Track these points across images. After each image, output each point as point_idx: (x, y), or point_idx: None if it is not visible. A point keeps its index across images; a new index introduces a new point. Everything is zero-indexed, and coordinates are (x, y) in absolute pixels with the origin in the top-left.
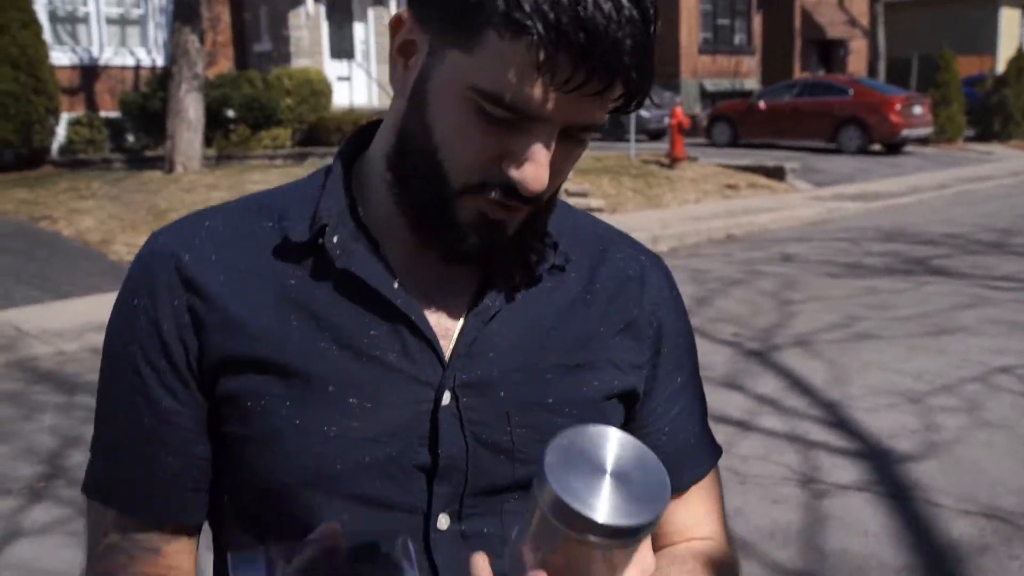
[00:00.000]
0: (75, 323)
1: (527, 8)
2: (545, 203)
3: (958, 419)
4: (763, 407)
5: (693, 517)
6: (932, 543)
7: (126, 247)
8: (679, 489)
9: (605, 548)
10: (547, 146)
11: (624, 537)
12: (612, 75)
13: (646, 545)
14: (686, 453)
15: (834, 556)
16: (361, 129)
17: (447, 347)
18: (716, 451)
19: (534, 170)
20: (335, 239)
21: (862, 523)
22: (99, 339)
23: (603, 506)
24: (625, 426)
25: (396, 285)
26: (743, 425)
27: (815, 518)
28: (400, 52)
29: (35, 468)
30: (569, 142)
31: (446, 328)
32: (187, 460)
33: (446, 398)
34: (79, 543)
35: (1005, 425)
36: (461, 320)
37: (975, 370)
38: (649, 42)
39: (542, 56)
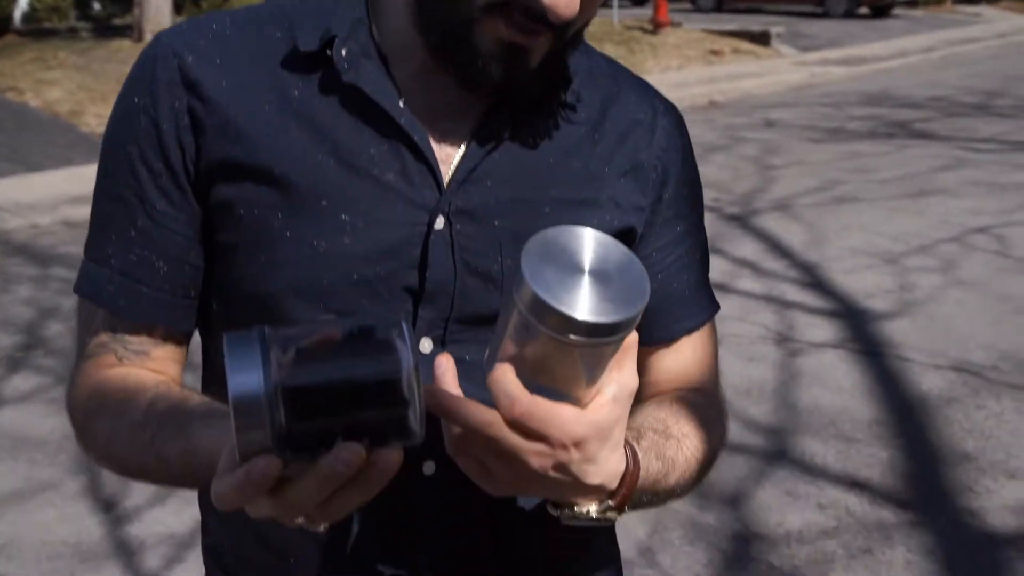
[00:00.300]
0: (48, 196)
1: None
2: (571, 38)
3: (933, 279)
4: (742, 270)
5: (682, 366)
6: (903, 397)
7: (97, 119)
8: (669, 339)
9: (582, 347)
10: None
11: (601, 335)
12: None
13: (629, 362)
14: (678, 303)
15: (807, 412)
16: None
17: (447, 172)
18: (712, 306)
19: None
20: (344, 52)
21: (835, 379)
22: (72, 212)
23: (581, 302)
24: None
25: (402, 104)
26: (721, 287)
27: (789, 375)
28: None
29: (13, 338)
30: None
31: (447, 154)
32: (178, 266)
33: (439, 223)
34: (60, 410)
35: (978, 283)
36: (463, 146)
37: (952, 231)
38: None
39: None
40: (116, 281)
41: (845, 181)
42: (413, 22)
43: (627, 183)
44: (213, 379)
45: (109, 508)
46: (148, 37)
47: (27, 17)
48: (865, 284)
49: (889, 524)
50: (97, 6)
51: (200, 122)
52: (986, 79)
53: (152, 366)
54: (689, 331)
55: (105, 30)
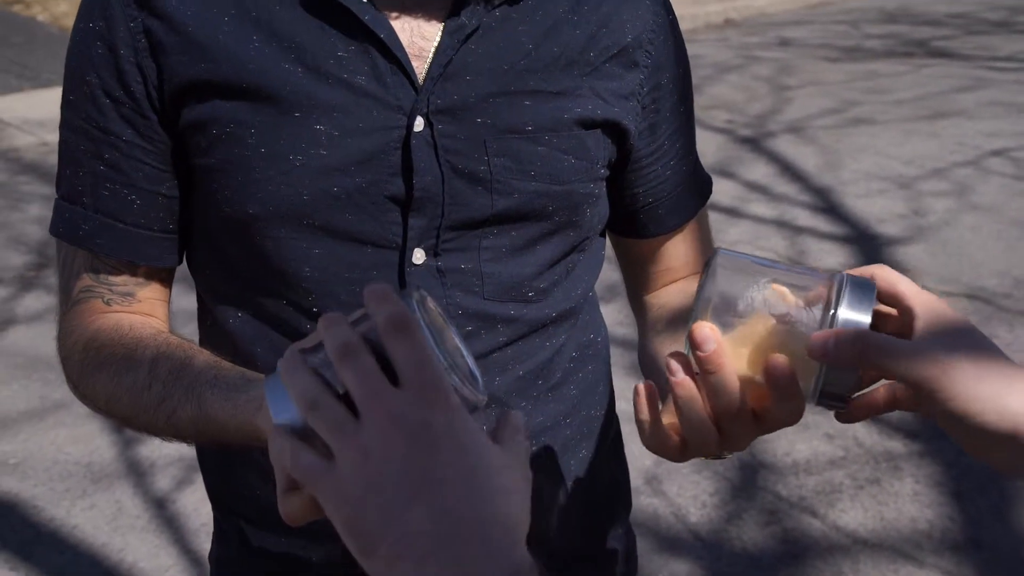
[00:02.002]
0: (57, 113)
1: None
2: None
3: (947, 203)
4: (753, 194)
5: (691, 247)
6: None
7: None
8: (682, 224)
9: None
10: None
11: None
12: None
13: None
14: (686, 188)
15: None
16: None
17: (421, 68)
18: (708, 183)
19: None
20: None
21: None
22: None
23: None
24: (619, 164)
25: (365, 0)
26: (732, 212)
27: None
28: None
29: (25, 258)
30: None
31: (420, 48)
32: (152, 199)
33: (419, 124)
34: None
35: (993, 208)
36: (436, 38)
37: (968, 154)
38: None
39: None
40: (91, 219)
41: (861, 102)
42: None
43: (612, 68)
44: (206, 315)
45: (120, 429)
46: None
47: None
48: (878, 209)
49: (897, 454)
50: None
51: (159, 42)
52: None
53: (140, 308)
54: (692, 216)
55: None
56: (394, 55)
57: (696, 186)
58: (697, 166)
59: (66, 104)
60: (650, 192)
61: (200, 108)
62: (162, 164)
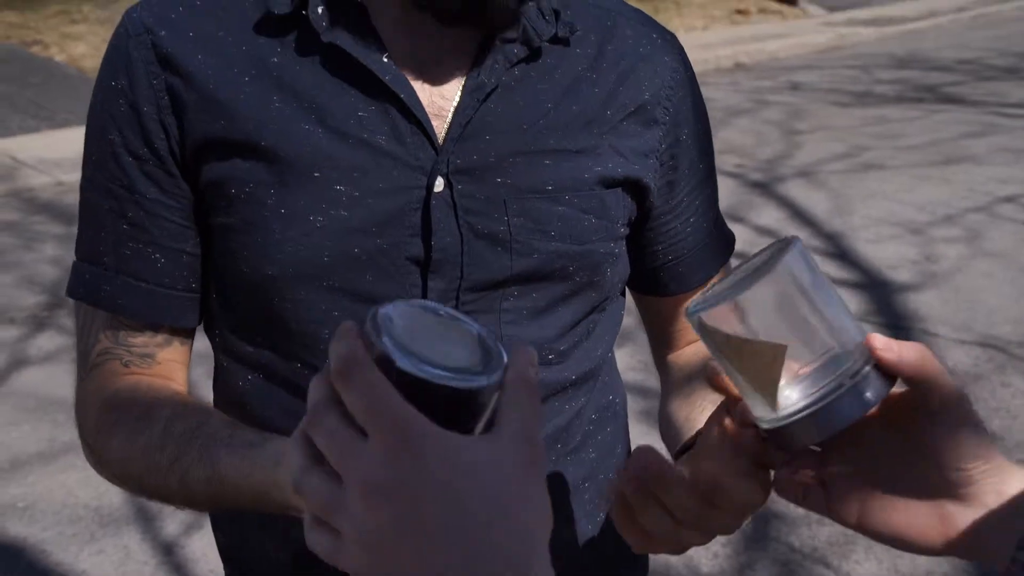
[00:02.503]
0: (73, 152)
1: None
2: None
3: (959, 249)
4: (764, 238)
5: None
6: None
7: None
8: (700, 284)
9: None
10: None
11: None
12: None
13: None
14: (707, 246)
15: None
16: None
17: (441, 128)
18: (731, 240)
19: None
20: (320, 9)
21: None
22: None
23: None
24: (638, 221)
25: (386, 59)
26: (742, 256)
27: None
28: None
29: (38, 298)
30: None
31: (440, 107)
32: (176, 257)
33: (439, 184)
34: None
35: (1005, 255)
36: (456, 98)
37: (979, 200)
38: None
39: None
40: (113, 279)
41: (871, 147)
42: None
43: (630, 126)
44: (220, 374)
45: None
46: None
47: None
48: (890, 255)
49: None
50: None
51: (181, 100)
52: (1018, 41)
53: (158, 371)
54: (715, 273)
55: None
56: (414, 115)
57: (718, 243)
58: (719, 222)
59: (88, 163)
60: (670, 249)
61: (220, 167)
62: (186, 221)
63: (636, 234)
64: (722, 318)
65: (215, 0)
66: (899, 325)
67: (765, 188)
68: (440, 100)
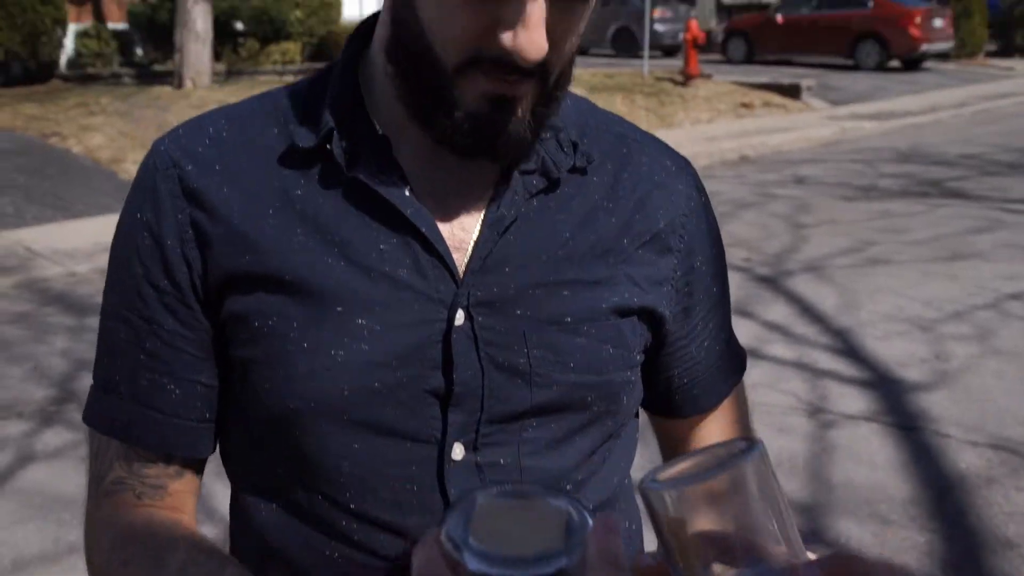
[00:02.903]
0: (86, 243)
1: None
2: (555, 82)
3: (969, 347)
4: (772, 334)
5: (723, 427)
6: (940, 475)
7: (136, 165)
8: (716, 405)
9: None
10: (539, 5)
11: None
12: None
13: None
14: (719, 369)
15: (841, 487)
16: (365, 22)
17: (461, 260)
18: (742, 358)
19: (528, 36)
20: (343, 144)
21: (869, 454)
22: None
23: None
24: (653, 347)
25: (408, 192)
26: (752, 353)
27: (822, 448)
28: None
29: (47, 391)
30: (564, 2)
31: (460, 240)
32: (192, 388)
33: (459, 317)
34: None
35: (1016, 353)
36: (476, 230)
37: (987, 297)
38: None
39: None
40: (127, 409)
41: (877, 242)
42: (397, 95)
43: (646, 254)
44: (237, 503)
45: None
46: (188, 84)
47: (72, 63)
48: (899, 352)
49: None
50: (140, 51)
51: (205, 234)
52: (1020, 136)
53: (170, 502)
54: (729, 393)
55: (147, 76)
56: (435, 249)
57: (731, 363)
58: (731, 341)
59: (109, 290)
60: (685, 373)
61: (243, 300)
62: (202, 353)
63: (651, 359)
64: (670, 500)
65: (241, 132)
66: (909, 425)
67: (772, 282)
68: (460, 232)
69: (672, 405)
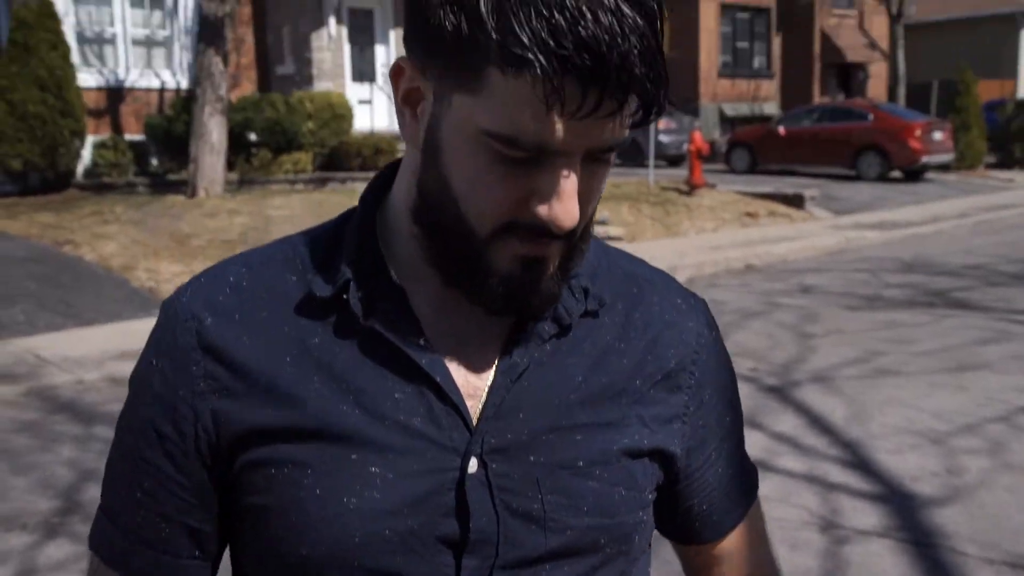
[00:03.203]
0: (96, 351)
1: (525, 39)
2: (581, 234)
3: (981, 461)
4: (782, 446)
5: (742, 547)
6: None
7: (148, 273)
8: (732, 528)
9: None
10: (572, 178)
11: None
12: (625, 92)
13: None
14: (732, 493)
15: None
16: (386, 169)
17: (475, 407)
18: (755, 477)
19: (563, 207)
20: (359, 295)
21: (884, 571)
22: (119, 367)
23: None
24: (671, 482)
25: (423, 342)
26: (762, 465)
27: (835, 565)
28: (405, 102)
29: (51, 503)
30: (593, 164)
31: (475, 387)
32: (181, 529)
33: (472, 465)
34: None
35: None
36: (490, 377)
37: (998, 409)
38: (658, 44)
39: (549, 88)
40: (122, 539)
41: (884, 352)
42: (425, 257)
43: (657, 393)
44: None
45: None
46: (202, 193)
47: (89, 172)
48: (911, 465)
49: None
50: (155, 161)
51: (222, 387)
52: (1022, 247)
53: None
54: (744, 515)
55: (161, 185)
56: (450, 398)
57: (745, 483)
58: (744, 461)
59: (121, 422)
60: (704, 500)
61: (260, 451)
62: (197, 499)
63: (669, 491)
64: None
65: (260, 281)
66: (924, 542)
67: (780, 393)
68: (475, 380)
69: (692, 533)
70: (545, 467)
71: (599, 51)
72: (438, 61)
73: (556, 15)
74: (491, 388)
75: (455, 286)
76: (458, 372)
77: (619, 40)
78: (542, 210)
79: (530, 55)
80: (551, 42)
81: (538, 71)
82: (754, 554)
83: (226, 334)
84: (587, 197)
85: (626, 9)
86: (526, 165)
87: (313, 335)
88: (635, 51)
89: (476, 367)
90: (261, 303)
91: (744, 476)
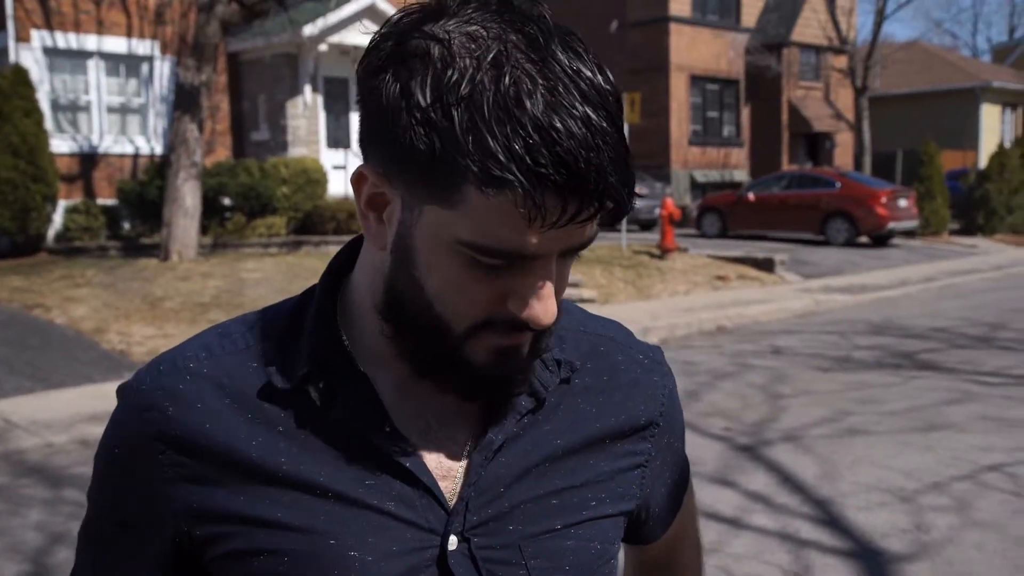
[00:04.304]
0: (65, 414)
1: (503, 159)
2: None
3: (949, 519)
4: (755, 504)
5: (676, 538)
6: None
7: (119, 336)
8: (671, 525)
9: None
10: (549, 278)
11: None
12: (602, 199)
13: None
14: (671, 505)
15: None
16: (344, 251)
17: (450, 488)
18: (688, 469)
19: (542, 306)
20: (320, 385)
21: None
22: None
23: None
24: (630, 532)
25: (388, 428)
26: (734, 523)
27: None
28: (370, 207)
29: (19, 567)
30: (566, 258)
31: (449, 468)
32: None
33: (452, 542)
34: None
35: (995, 525)
36: (464, 457)
37: (964, 468)
38: (625, 148)
39: (530, 204)
40: None
41: (854, 412)
42: (397, 352)
43: (625, 446)
44: None
45: None
46: (174, 257)
47: (60, 236)
48: (881, 522)
49: None
50: (127, 226)
51: (190, 475)
52: (987, 311)
53: None
54: (679, 511)
55: (134, 249)
56: (421, 481)
57: (684, 472)
58: (684, 467)
59: (88, 503)
60: (657, 503)
61: (227, 540)
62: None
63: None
64: None
65: (221, 368)
66: None
67: (753, 452)
68: (448, 461)
69: (638, 536)
70: (526, 534)
71: (576, 167)
72: (407, 174)
73: (532, 133)
74: (467, 468)
75: (426, 377)
76: (429, 454)
77: (592, 153)
78: (520, 309)
79: (509, 175)
80: (529, 160)
81: (518, 189)
82: (682, 534)
83: (190, 423)
84: (560, 289)
85: (594, 116)
86: (503, 269)
87: (277, 422)
88: (608, 160)
89: (448, 449)
90: (224, 390)
91: (683, 473)
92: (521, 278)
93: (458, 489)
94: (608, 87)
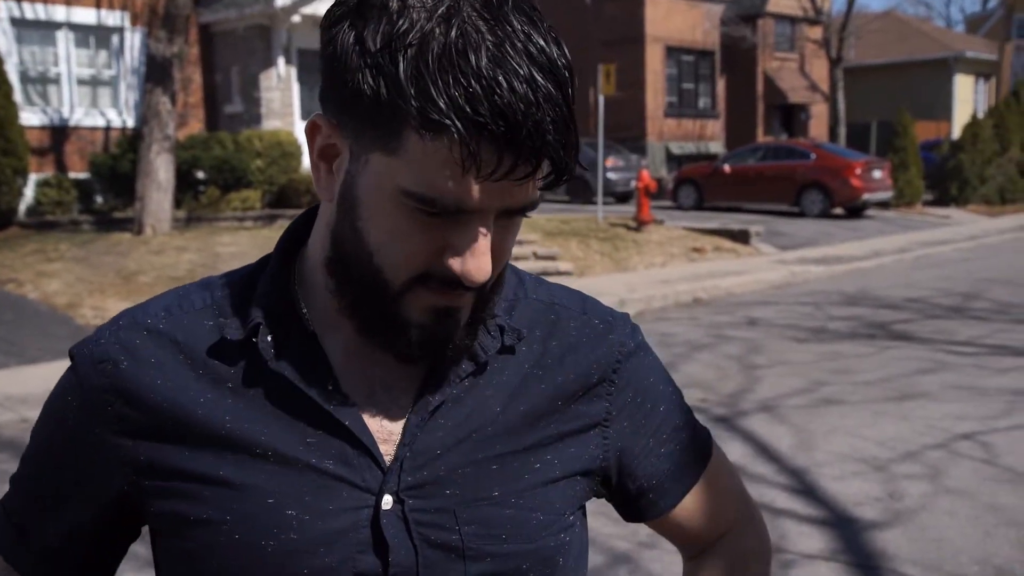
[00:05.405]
0: (40, 389)
1: (442, 105)
2: (492, 285)
3: (921, 486)
4: None
5: (705, 509)
6: None
7: (93, 311)
8: (677, 502)
9: None
10: (485, 235)
11: None
12: (538, 157)
13: None
14: (679, 467)
15: None
16: (303, 216)
17: (388, 449)
18: (706, 446)
19: (475, 262)
20: (269, 338)
21: None
22: None
23: None
24: (609, 483)
25: (331, 387)
26: None
27: None
28: (321, 157)
29: None
30: (506, 220)
31: (388, 431)
32: (72, 545)
33: (387, 502)
34: None
35: (967, 493)
36: (404, 418)
37: (937, 436)
38: (569, 113)
39: (466, 152)
40: (13, 539)
41: (829, 382)
42: (337, 307)
43: (578, 407)
44: None
45: None
46: (148, 231)
47: (31, 210)
48: (855, 491)
49: None
50: (100, 200)
51: (135, 428)
52: (960, 281)
53: None
54: (694, 483)
55: (107, 223)
56: (360, 440)
57: (692, 453)
58: (693, 437)
59: (32, 435)
60: (650, 485)
61: (171, 494)
62: (69, 532)
63: (615, 486)
64: None
65: (178, 323)
66: (868, 564)
67: (728, 422)
68: (388, 424)
69: (647, 512)
70: (462, 500)
71: (514, 119)
72: (355, 121)
73: (473, 83)
74: (404, 428)
75: (367, 335)
76: (371, 417)
77: (533, 109)
78: (455, 264)
79: (447, 120)
80: (468, 108)
81: (455, 135)
82: (712, 509)
83: (141, 378)
84: (499, 252)
85: (539, 79)
86: (442, 220)
87: (227, 379)
88: (548, 119)
89: (390, 411)
90: (177, 347)
91: (692, 447)
92: (458, 232)
93: (395, 449)
94: (560, 59)
